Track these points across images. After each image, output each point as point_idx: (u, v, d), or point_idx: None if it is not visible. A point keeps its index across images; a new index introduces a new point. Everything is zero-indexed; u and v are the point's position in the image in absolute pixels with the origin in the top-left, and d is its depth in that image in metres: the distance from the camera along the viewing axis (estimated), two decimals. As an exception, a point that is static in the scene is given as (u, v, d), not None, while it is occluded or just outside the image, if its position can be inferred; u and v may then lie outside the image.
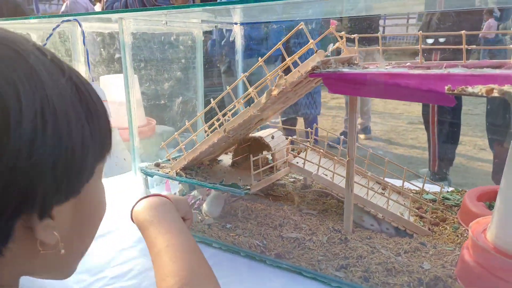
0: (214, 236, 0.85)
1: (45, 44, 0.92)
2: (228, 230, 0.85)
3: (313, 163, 0.92)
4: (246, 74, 0.74)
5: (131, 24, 0.83)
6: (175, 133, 0.86)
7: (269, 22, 1.03)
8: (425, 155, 2.96)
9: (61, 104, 0.36)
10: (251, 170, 0.79)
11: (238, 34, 1.13)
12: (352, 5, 0.94)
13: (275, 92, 0.69)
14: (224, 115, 0.81)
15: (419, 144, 3.76)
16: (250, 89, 0.74)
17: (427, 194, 1.01)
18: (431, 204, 0.89)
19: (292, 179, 1.13)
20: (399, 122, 4.56)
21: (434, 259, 0.75)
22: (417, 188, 1.03)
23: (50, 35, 0.89)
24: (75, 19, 0.87)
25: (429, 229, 0.85)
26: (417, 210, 0.90)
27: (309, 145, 0.97)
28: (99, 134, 0.41)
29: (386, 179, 1.01)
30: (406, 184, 1.02)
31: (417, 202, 0.95)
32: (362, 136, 4.01)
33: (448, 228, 0.86)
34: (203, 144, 0.82)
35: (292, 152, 1.05)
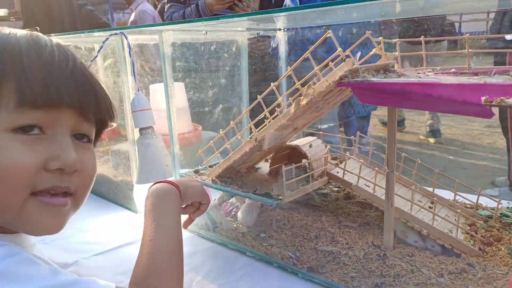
0: (248, 245, 0.85)
1: (96, 57, 0.99)
2: (261, 239, 0.85)
3: (352, 173, 0.89)
4: (276, 83, 0.73)
5: (171, 36, 0.86)
6: (211, 141, 0.87)
7: (311, 27, 1.01)
8: (504, 162, 2.71)
9: None
10: (283, 179, 0.78)
11: (281, 40, 1.12)
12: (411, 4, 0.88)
13: (303, 102, 0.67)
14: (271, 113, 0.77)
15: (497, 149, 3.46)
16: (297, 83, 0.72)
17: (482, 209, 0.92)
18: (481, 221, 0.82)
19: (336, 188, 1.10)
20: (474, 125, 4.23)
21: (482, 283, 0.68)
22: (472, 203, 0.95)
23: (101, 47, 0.95)
24: (121, 32, 0.92)
25: (480, 249, 0.77)
26: (468, 227, 0.82)
27: (348, 154, 0.93)
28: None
29: (443, 191, 0.95)
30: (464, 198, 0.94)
31: (469, 219, 0.87)
32: (431, 140, 3.78)
33: (502, 249, 0.78)
34: (236, 153, 0.82)
35: (334, 160, 1.02)
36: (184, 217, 0.78)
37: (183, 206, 0.74)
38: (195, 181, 0.76)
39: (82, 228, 1.03)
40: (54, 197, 0.46)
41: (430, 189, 0.95)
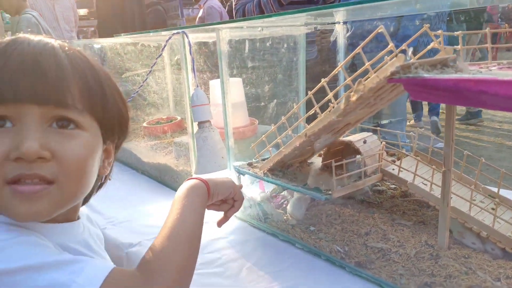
0: (297, 236, 0.87)
1: (160, 55, 1.05)
2: (311, 232, 0.86)
3: (408, 171, 0.87)
4: (326, 79, 0.74)
5: (227, 33, 0.89)
6: (263, 136, 0.89)
7: (373, 19, 0.98)
8: None
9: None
10: (333, 175, 0.78)
11: (340, 34, 1.11)
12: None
13: (353, 98, 0.67)
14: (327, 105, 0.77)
15: None
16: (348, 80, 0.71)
17: (552, 213, 0.86)
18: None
19: (393, 186, 1.07)
20: None
21: (544, 291, 0.64)
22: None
23: (164, 46, 1.01)
24: (183, 31, 0.97)
25: (544, 255, 0.72)
26: (533, 232, 0.77)
27: (404, 151, 0.91)
28: None
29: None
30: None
31: (535, 222, 0.82)
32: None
33: None
34: (286, 147, 0.84)
35: (391, 157, 0.99)
36: (219, 215, 0.80)
37: (218, 204, 0.77)
38: (226, 179, 0.78)
39: (146, 213, 1.11)
40: (25, 185, 0.48)
41: (496, 189, 0.90)
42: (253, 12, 2.02)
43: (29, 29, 2.66)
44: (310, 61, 1.85)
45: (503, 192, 0.89)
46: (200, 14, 4.38)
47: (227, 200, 0.77)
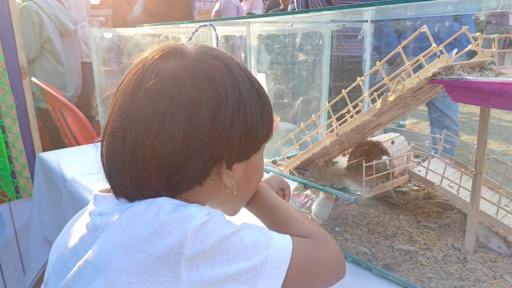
0: (322, 236, 0.86)
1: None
2: (336, 233, 0.85)
3: (435, 173, 0.86)
4: (362, 78, 0.73)
5: (258, 27, 0.88)
6: (291, 134, 0.89)
7: (401, 19, 0.97)
8: None
9: (248, 100, 0.55)
10: (363, 175, 0.78)
11: (368, 32, 1.10)
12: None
13: (391, 98, 0.66)
14: (354, 107, 0.77)
15: None
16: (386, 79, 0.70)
17: None
18: None
19: (416, 187, 1.07)
20: None
21: None
22: None
23: (190, 38, 1.01)
24: (211, 24, 0.96)
25: None
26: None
27: (433, 153, 0.90)
28: (267, 122, 0.59)
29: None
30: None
31: None
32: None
33: None
34: (316, 146, 0.83)
35: (417, 159, 0.99)
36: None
37: None
38: (269, 175, 0.84)
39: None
40: None
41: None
42: (319, 4, 1.96)
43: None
44: (356, 57, 1.80)
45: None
46: (216, 7, 4.37)
47: (277, 192, 0.82)
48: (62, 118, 2.10)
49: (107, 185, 0.58)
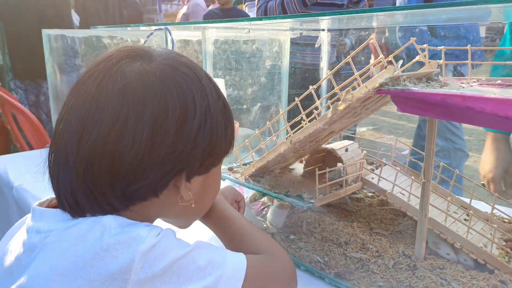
0: (277, 245, 0.86)
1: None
2: (291, 241, 0.85)
3: (388, 180, 0.87)
4: (314, 87, 0.73)
5: (213, 33, 0.87)
6: (246, 140, 0.88)
7: (350, 28, 0.99)
8: None
9: (215, 113, 0.53)
10: (316, 183, 0.78)
11: (324, 41, 1.11)
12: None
13: (341, 107, 0.67)
14: (308, 115, 0.78)
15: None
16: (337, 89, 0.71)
17: (522, 225, 0.88)
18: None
19: (370, 194, 1.08)
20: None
21: (515, 303, 0.66)
22: (510, 217, 0.91)
23: (145, 41, 0.98)
24: (166, 27, 0.94)
25: (515, 266, 0.74)
26: (504, 243, 0.80)
27: (385, 161, 0.92)
28: (230, 136, 0.57)
29: (481, 204, 0.91)
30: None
31: (506, 234, 0.84)
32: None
33: (542, 269, 0.75)
34: (270, 153, 0.83)
35: (371, 166, 1.00)
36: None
37: None
38: (224, 187, 0.83)
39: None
40: None
41: (468, 200, 0.92)
42: (275, 11, 1.95)
43: None
44: (313, 65, 1.80)
45: (474, 203, 0.91)
46: (184, 10, 4.33)
47: (231, 203, 0.80)
48: (13, 121, 2.01)
49: (49, 195, 0.55)
